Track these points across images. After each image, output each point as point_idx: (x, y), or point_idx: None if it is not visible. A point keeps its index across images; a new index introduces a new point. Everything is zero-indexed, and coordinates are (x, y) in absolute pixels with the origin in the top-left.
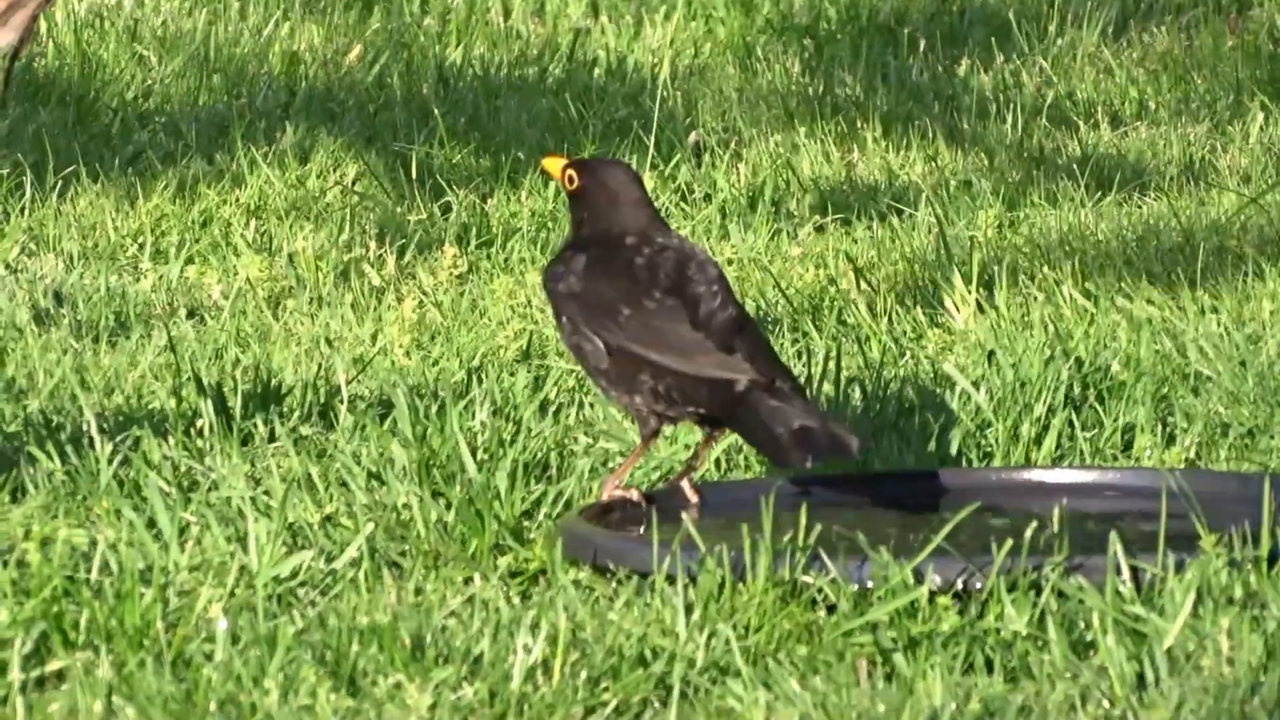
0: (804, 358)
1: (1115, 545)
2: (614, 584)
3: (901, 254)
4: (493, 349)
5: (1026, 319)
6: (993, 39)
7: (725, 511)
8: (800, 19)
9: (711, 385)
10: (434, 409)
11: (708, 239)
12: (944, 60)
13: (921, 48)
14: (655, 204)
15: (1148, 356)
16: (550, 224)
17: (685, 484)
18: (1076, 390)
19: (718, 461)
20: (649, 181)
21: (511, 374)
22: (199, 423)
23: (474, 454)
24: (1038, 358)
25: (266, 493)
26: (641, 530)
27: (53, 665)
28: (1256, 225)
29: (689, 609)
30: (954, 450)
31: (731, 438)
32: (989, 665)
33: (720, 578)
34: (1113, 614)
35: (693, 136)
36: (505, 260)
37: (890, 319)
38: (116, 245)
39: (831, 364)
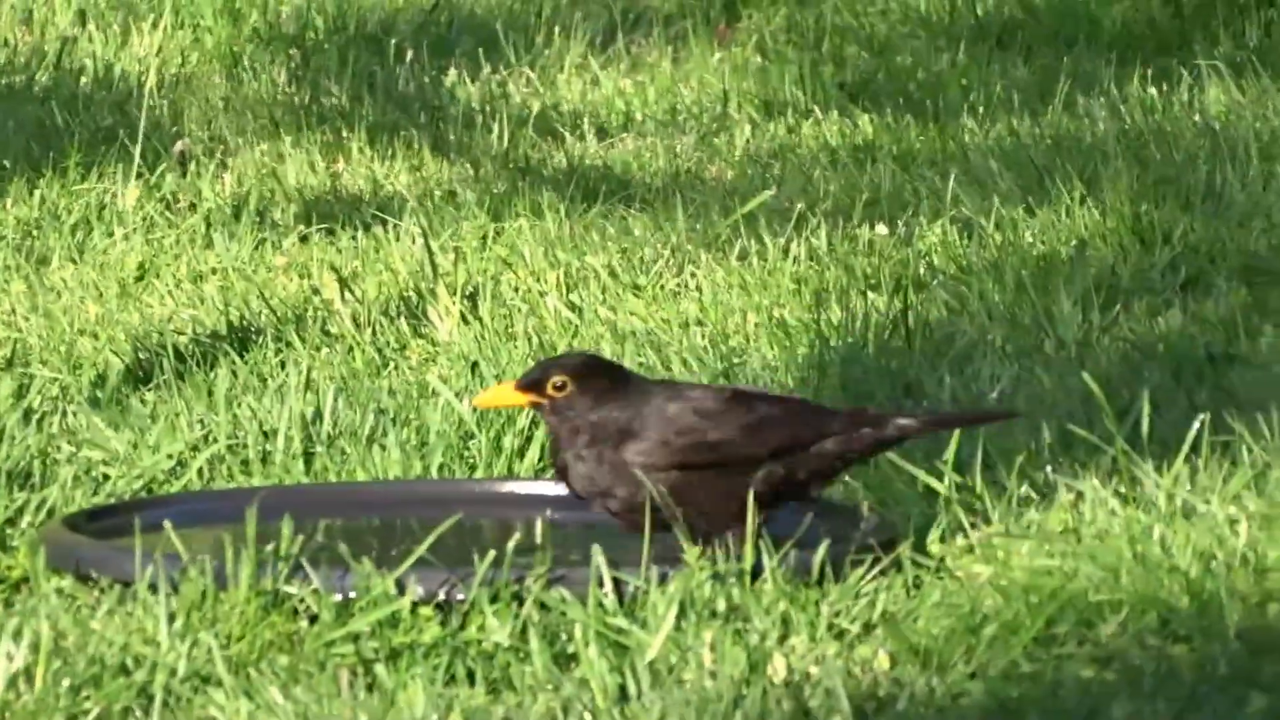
0: (285, 368)
1: (598, 557)
2: (97, 593)
3: (386, 264)
4: None
5: (511, 330)
6: (480, 49)
7: (208, 521)
8: (288, 28)
9: None
10: None
11: (192, 248)
12: (431, 70)
13: (409, 57)
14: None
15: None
16: (35, 232)
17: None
18: None
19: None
20: (135, 191)
21: None
22: None
23: None
24: (520, 369)
25: None
26: (125, 539)
27: None
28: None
29: (171, 618)
30: (437, 461)
31: None
32: (471, 676)
33: (203, 587)
34: (595, 626)
35: (178, 145)
36: None
37: (374, 330)
38: None
39: (314, 374)
